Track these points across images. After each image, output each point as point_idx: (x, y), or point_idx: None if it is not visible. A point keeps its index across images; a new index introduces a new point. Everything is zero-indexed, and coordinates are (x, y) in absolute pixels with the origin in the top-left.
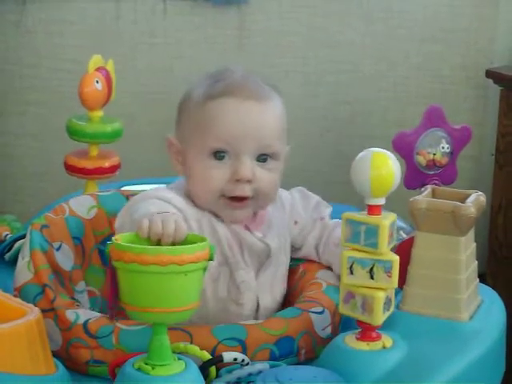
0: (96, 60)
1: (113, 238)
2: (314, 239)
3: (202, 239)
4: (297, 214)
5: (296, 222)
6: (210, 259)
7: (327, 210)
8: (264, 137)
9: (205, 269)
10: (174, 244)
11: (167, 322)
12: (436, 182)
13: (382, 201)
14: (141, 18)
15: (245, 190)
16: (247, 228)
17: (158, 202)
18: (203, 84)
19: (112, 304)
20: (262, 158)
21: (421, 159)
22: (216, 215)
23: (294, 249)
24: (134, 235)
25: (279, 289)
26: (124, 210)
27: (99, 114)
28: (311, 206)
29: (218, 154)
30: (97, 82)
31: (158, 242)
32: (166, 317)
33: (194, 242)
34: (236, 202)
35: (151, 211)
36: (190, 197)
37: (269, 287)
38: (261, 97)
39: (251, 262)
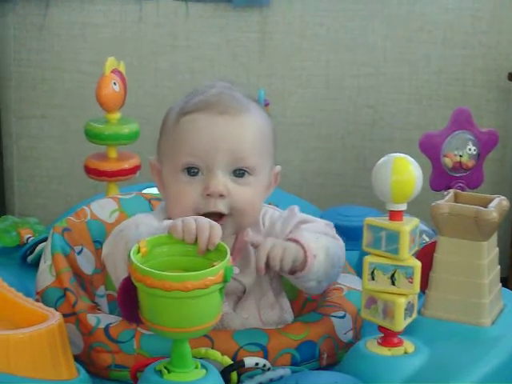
0: (111, 62)
1: (138, 243)
2: None
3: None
4: (273, 233)
5: None
6: (225, 281)
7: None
8: (238, 150)
9: (221, 289)
10: (208, 249)
11: (187, 338)
12: (461, 185)
13: (403, 206)
14: (163, 21)
15: (218, 206)
16: None
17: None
18: (180, 102)
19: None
20: (239, 173)
21: (447, 161)
22: None
23: None
24: (166, 237)
25: (272, 315)
26: (109, 240)
27: (117, 115)
28: (291, 225)
29: (191, 170)
30: (114, 83)
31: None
32: (186, 335)
33: (224, 251)
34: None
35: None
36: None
37: (257, 317)
38: (236, 111)
39: (228, 296)
